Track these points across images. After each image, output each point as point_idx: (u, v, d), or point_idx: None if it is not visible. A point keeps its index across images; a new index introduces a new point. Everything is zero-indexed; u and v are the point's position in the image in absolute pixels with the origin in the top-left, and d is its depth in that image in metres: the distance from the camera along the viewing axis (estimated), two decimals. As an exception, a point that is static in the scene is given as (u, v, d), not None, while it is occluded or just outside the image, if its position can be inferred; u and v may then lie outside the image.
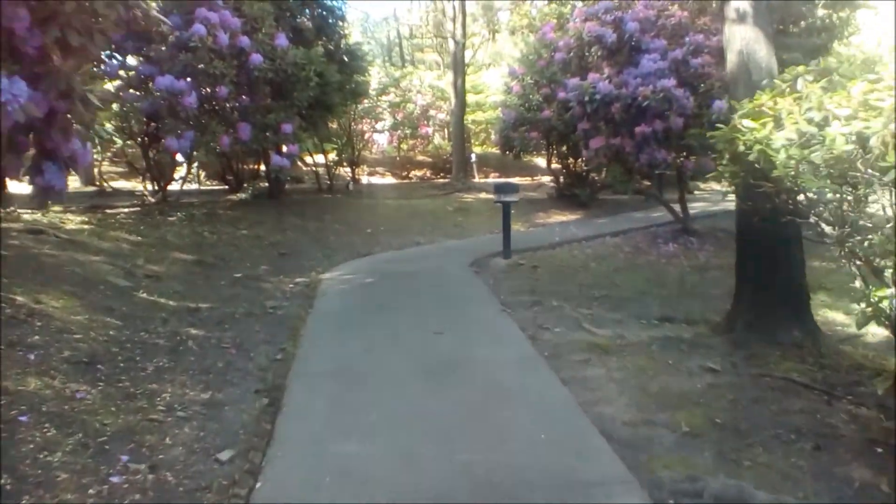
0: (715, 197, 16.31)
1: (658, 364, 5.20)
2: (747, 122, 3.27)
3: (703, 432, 4.06)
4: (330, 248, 10.29)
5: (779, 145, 2.98)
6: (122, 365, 4.83)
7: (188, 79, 8.89)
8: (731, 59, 5.43)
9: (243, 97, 10.04)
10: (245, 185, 13.82)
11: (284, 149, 10.51)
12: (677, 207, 11.19)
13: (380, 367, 5.08)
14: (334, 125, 20.22)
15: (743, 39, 5.34)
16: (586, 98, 9.70)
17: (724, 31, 5.60)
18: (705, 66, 9.59)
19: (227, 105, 9.83)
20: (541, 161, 30.35)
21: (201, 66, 9.00)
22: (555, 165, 16.57)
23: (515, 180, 23.82)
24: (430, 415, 4.19)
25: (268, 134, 10.37)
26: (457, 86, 21.17)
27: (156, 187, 10.94)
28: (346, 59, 12.76)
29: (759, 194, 3.88)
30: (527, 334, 5.99)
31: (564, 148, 15.28)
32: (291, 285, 8.07)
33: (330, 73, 11.35)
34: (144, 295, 6.53)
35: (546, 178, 23.62)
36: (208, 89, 9.27)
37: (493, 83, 29.17)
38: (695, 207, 13.59)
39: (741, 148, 3.33)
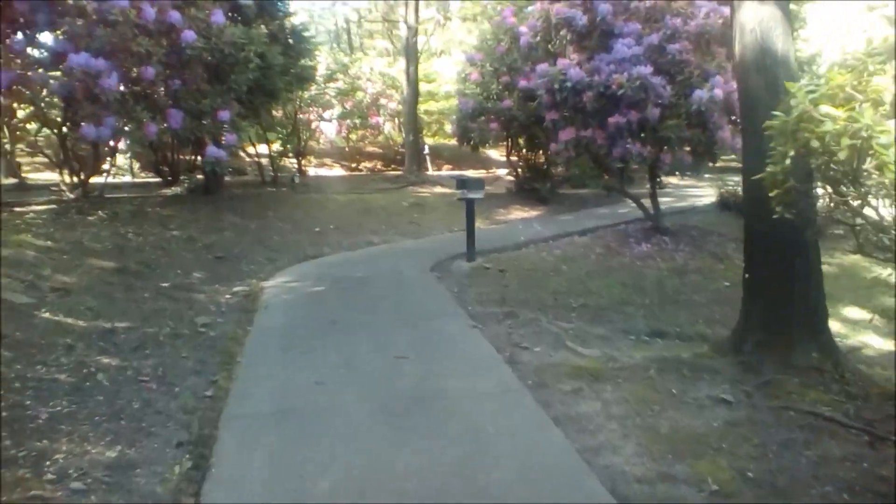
0: (679, 192, 15.87)
1: (661, 395, 4.45)
2: (827, 109, 2.50)
3: (734, 490, 3.32)
4: (274, 249, 9.27)
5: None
6: (3, 414, 3.80)
7: (108, 58, 7.72)
8: (743, 40, 4.68)
9: (174, 80, 8.89)
10: (181, 177, 12.61)
11: (224, 139, 9.40)
12: (646, 203, 10.54)
13: (334, 407, 4.17)
14: (279, 113, 19.05)
15: (756, 18, 4.60)
16: (556, 86, 8.91)
17: (733, 7, 4.85)
18: (683, 52, 8.91)
19: (155, 88, 8.67)
20: (495, 153, 29.76)
21: (124, 43, 7.83)
22: (513, 158, 15.80)
23: (471, 173, 23.04)
24: (397, 478, 3.32)
25: (203, 122, 9.25)
26: (409, 73, 20.20)
27: (76, 181, 9.70)
28: (290, 40, 11.67)
29: (807, 200, 3.13)
30: (503, 356, 5.18)
31: (524, 140, 14.54)
32: (228, 296, 7.06)
33: (272, 55, 10.27)
34: (48, 314, 5.44)
35: (502, 171, 22.94)
36: (132, 70, 8.11)
37: (446, 72, 28.29)
38: (661, 203, 13.03)
39: (813, 143, 2.56)
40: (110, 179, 17.00)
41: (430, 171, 22.18)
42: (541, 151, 14.81)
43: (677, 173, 12.87)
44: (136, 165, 18.00)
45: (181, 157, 13.04)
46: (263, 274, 8.06)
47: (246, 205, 11.26)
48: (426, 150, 22.13)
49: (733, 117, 9.02)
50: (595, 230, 10.69)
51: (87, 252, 7.23)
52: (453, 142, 29.96)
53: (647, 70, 8.52)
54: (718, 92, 8.64)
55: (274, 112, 17.06)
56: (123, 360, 4.95)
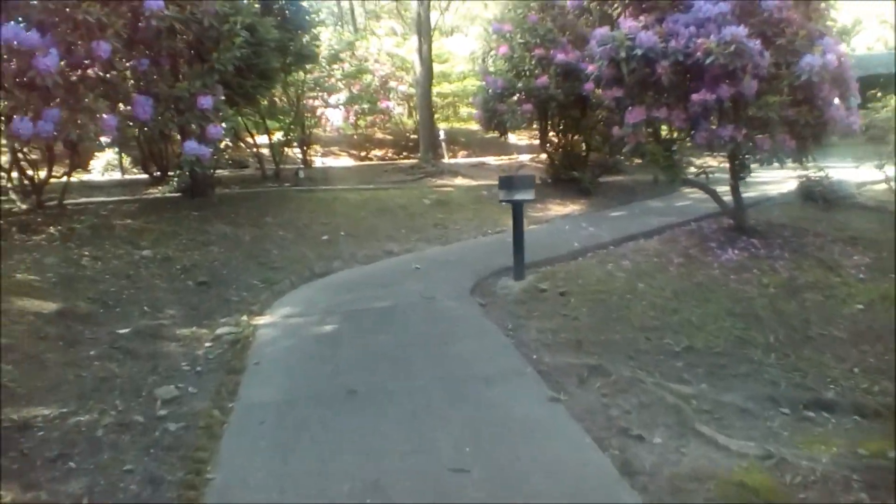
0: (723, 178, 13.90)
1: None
2: None
3: None
4: (272, 267, 7.48)
5: None
6: None
7: (46, 31, 5.91)
8: None
9: (140, 59, 7.08)
10: (172, 175, 10.85)
11: (208, 131, 7.56)
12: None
13: None
14: (282, 99, 17.22)
15: None
16: (622, 54, 7.01)
17: None
18: (783, 9, 7.00)
19: (115, 69, 6.85)
20: (514, 138, 27.82)
21: (66, 11, 6.01)
22: (547, 144, 13.88)
23: (490, 160, 21.14)
24: None
25: (182, 110, 7.44)
26: (422, 52, 18.24)
27: (30, 186, 7.93)
28: (287, 12, 9.81)
29: None
30: (611, 455, 3.40)
31: (562, 123, 12.63)
32: (209, 344, 5.29)
33: (265, 28, 8.43)
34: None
35: (524, 157, 21.06)
36: (80, 46, 6.27)
37: (459, 51, 26.35)
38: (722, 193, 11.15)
39: None
40: (93, 178, 15.28)
41: (447, 159, 20.34)
42: (575, 136, 12.91)
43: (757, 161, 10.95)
44: (126, 161, 16.34)
45: (175, 150, 11.27)
46: (258, 305, 6.27)
47: (240, 208, 9.46)
48: (442, 136, 20.22)
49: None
50: (661, 231, 8.81)
51: (19, 289, 5.46)
52: (469, 126, 28.13)
53: (742, 31, 6.60)
54: (831, 58, 6.74)
55: (274, 96, 15.29)
56: (30, 482, 3.19)
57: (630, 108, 7.40)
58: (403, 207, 10.46)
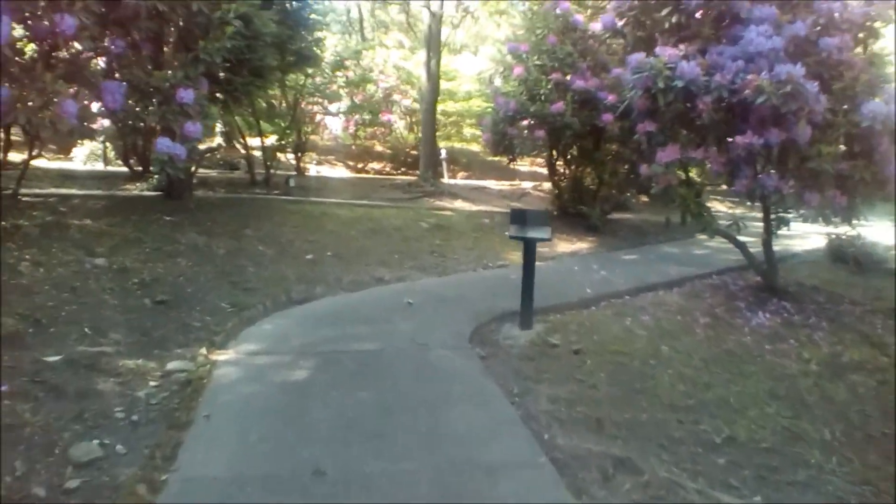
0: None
1: None
2: None
3: None
4: (245, 288, 6.58)
5: None
6: None
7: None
8: None
9: (115, 41, 6.21)
10: (153, 171, 9.96)
11: (185, 128, 6.67)
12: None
13: None
14: (283, 101, 16.39)
15: None
16: (659, 85, 6.21)
17: None
18: (843, 50, 6.24)
19: (80, 50, 5.96)
20: (517, 163, 27.11)
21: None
22: (556, 174, 13.08)
23: (491, 184, 20.35)
24: None
25: (159, 102, 6.57)
26: (430, 67, 17.54)
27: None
28: (289, 6, 8.98)
29: None
30: None
31: (574, 153, 11.84)
32: (154, 383, 4.38)
33: (262, 20, 7.60)
34: None
35: (527, 184, 20.31)
36: (39, 19, 5.39)
37: (468, 69, 25.70)
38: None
39: None
40: (73, 167, 14.34)
41: (447, 179, 19.55)
42: (587, 168, 12.12)
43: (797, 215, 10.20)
44: (110, 151, 15.46)
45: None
46: (222, 335, 5.36)
47: (219, 216, 8.57)
48: (444, 155, 19.43)
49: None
50: (681, 282, 8.00)
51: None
52: (471, 147, 27.41)
53: (799, 70, 5.83)
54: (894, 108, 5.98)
55: (269, 99, 14.48)
56: None
57: (663, 145, 6.59)
58: (398, 229, 9.60)
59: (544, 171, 18.83)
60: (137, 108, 6.50)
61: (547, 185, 19.37)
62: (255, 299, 6.36)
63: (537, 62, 10.86)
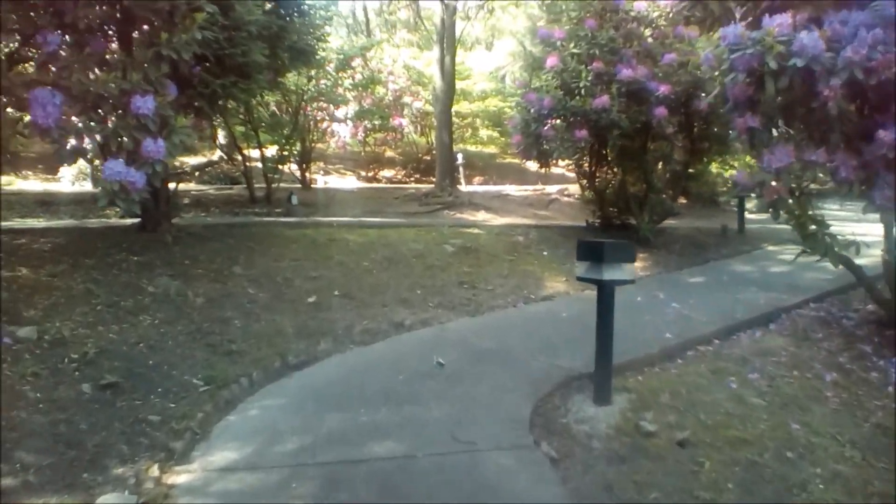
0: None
1: None
2: None
3: None
4: (226, 352, 5.05)
5: None
6: None
7: None
8: None
9: (45, 34, 4.69)
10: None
11: (144, 147, 5.12)
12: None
13: None
14: (284, 108, 14.91)
15: None
16: (770, 64, 4.61)
17: None
18: None
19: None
20: (534, 165, 25.55)
21: None
22: (595, 179, 11.44)
23: (511, 189, 18.76)
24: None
25: (105, 114, 5.05)
26: (444, 64, 16.00)
27: None
28: (282, -8, 7.46)
29: None
30: None
31: (620, 155, 10.22)
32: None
33: (245, 7, 6.06)
34: None
35: (552, 188, 18.71)
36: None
37: (483, 66, 24.16)
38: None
39: None
40: (59, 188, 12.92)
41: (464, 186, 18.00)
42: (634, 172, 10.49)
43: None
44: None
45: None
46: (185, 436, 3.82)
47: (203, 249, 7.05)
48: (460, 160, 17.87)
49: None
50: (775, 316, 6.37)
51: None
52: (486, 149, 25.84)
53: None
54: None
55: (264, 103, 12.99)
56: None
57: (769, 145, 4.98)
58: (420, 256, 8.02)
59: (568, 174, 17.24)
60: (80, 124, 4.96)
61: (573, 189, 17.79)
62: (238, 368, 4.82)
63: (574, 50, 9.25)
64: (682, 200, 14.22)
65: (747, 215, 12.19)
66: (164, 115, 5.24)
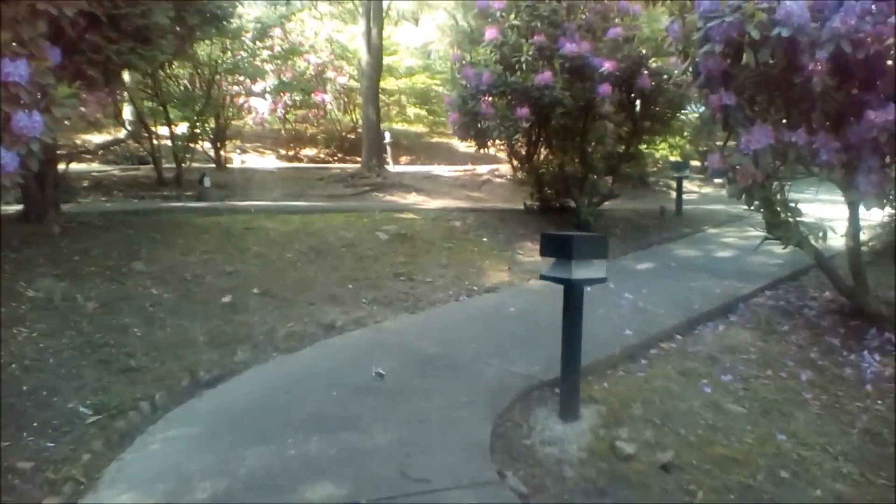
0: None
1: None
2: None
3: None
4: (122, 369, 4.23)
5: None
6: None
7: None
8: None
9: None
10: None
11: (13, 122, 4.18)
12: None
13: None
14: (194, 81, 13.69)
15: None
16: (752, 34, 4.11)
17: None
18: None
19: None
20: (461, 144, 24.96)
21: None
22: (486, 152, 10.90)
23: (439, 170, 18.10)
24: None
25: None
26: (371, 38, 15.13)
27: None
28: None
29: None
30: None
31: (559, 134, 9.72)
32: None
33: (141, -45, 5.12)
34: None
35: (482, 169, 18.18)
36: None
37: (410, 41, 23.29)
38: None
39: None
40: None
41: (391, 166, 17.23)
42: (574, 152, 10.01)
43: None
44: None
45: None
46: (63, 491, 3.02)
47: (97, 242, 6.09)
48: (388, 139, 17.07)
49: None
50: (733, 306, 6.01)
51: None
52: (413, 128, 25.04)
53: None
54: None
55: (173, 75, 11.86)
56: None
57: (748, 125, 4.50)
58: (350, 245, 7.28)
59: (499, 154, 16.71)
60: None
61: (504, 170, 17.32)
62: (137, 389, 4.00)
63: (515, 22, 8.64)
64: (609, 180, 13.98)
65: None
66: (42, 84, 4.30)
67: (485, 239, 8.36)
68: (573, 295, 3.72)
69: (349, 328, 5.43)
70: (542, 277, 3.82)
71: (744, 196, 4.59)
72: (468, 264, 7.33)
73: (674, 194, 17.60)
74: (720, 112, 4.55)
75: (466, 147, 23.74)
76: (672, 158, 16.61)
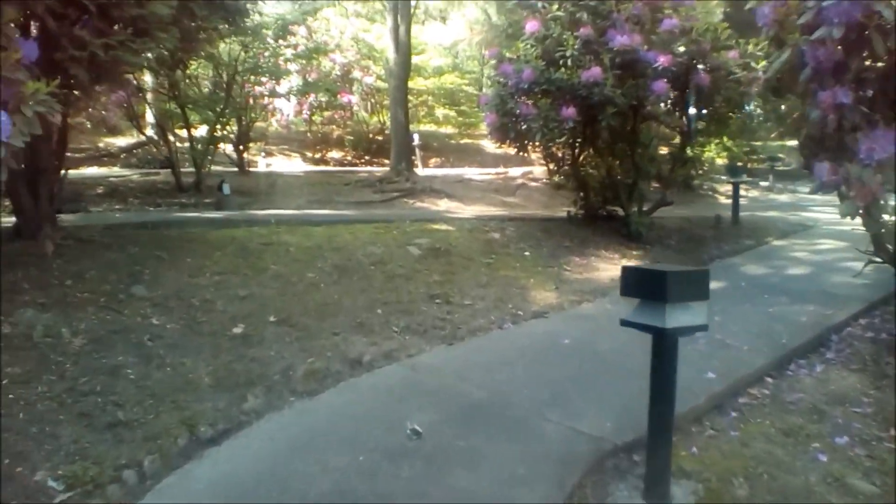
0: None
1: None
2: None
3: None
4: (108, 424, 3.52)
5: None
6: None
7: None
8: None
9: None
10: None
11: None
12: None
13: None
14: (220, 83, 13.06)
15: None
16: (880, 11, 3.26)
17: None
18: None
19: None
20: (491, 145, 24.15)
21: None
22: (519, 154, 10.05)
23: (471, 172, 17.32)
24: None
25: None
26: (399, 36, 14.40)
27: None
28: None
29: None
30: None
31: (607, 138, 8.88)
32: None
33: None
34: None
35: (514, 171, 17.36)
36: None
37: (437, 39, 22.58)
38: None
39: None
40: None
41: (421, 169, 16.50)
42: (623, 157, 9.14)
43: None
44: None
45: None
46: None
47: (94, 264, 5.41)
48: (417, 141, 16.35)
49: None
50: (825, 337, 5.15)
51: None
52: (442, 128, 24.30)
53: None
54: None
55: (191, 76, 11.26)
56: None
57: (865, 128, 3.65)
58: (379, 262, 6.52)
59: (527, 155, 15.91)
60: None
61: (538, 173, 16.47)
62: (122, 452, 3.28)
63: (558, 13, 7.83)
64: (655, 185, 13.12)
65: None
66: (11, 80, 3.61)
67: (527, 253, 7.56)
68: (666, 347, 2.90)
69: (378, 363, 4.67)
70: (625, 324, 3.00)
71: (865, 216, 3.71)
72: (511, 283, 6.53)
73: (722, 199, 16.70)
74: (834, 112, 3.68)
75: (497, 148, 23.03)
76: (718, 161, 15.66)
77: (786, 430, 3.74)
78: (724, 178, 16.19)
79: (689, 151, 9.28)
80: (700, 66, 7.97)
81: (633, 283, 2.98)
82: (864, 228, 4.15)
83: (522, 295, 6.27)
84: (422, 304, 5.77)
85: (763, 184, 18.21)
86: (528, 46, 8.04)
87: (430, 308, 5.73)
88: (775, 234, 9.39)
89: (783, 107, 6.88)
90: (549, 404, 3.97)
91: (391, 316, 5.47)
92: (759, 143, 18.69)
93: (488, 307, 5.89)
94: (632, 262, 7.77)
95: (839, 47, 3.60)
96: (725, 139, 15.23)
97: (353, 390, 4.28)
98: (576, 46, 7.63)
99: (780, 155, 21.20)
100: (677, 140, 9.62)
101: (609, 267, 7.52)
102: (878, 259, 4.41)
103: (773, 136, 20.45)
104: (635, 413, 3.75)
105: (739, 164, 12.34)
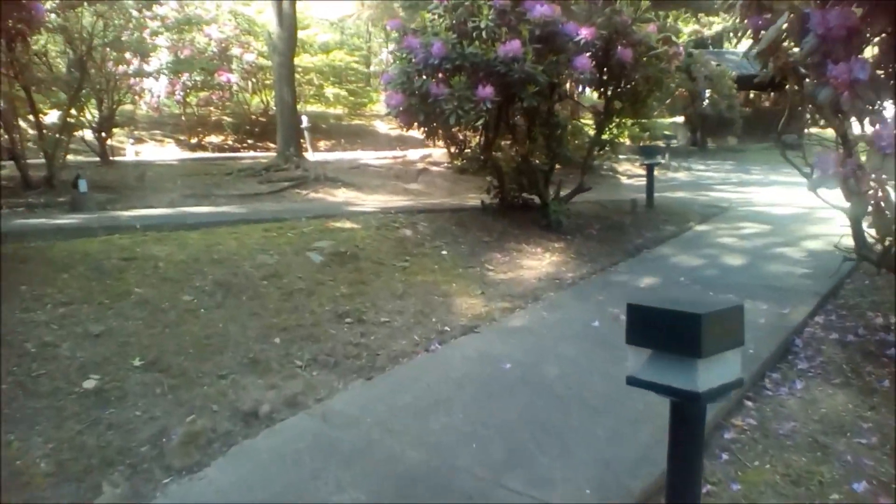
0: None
1: None
2: None
3: None
4: None
5: None
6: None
7: None
8: None
9: None
10: None
11: None
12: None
13: None
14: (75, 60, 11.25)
15: None
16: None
17: None
18: None
19: None
20: (383, 125, 23.03)
21: None
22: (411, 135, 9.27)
23: (366, 157, 16.24)
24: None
25: None
26: (282, 8, 13.03)
27: None
28: None
29: None
30: None
31: (525, 119, 8.11)
32: None
33: None
34: None
35: (413, 154, 16.46)
36: None
37: (325, 13, 21.18)
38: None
39: None
40: None
41: (310, 153, 15.25)
42: (538, 139, 8.41)
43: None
44: None
45: None
46: None
47: None
48: (305, 123, 15.07)
49: None
50: (789, 340, 4.62)
51: None
52: (329, 109, 22.92)
53: None
54: None
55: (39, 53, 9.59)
56: None
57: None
58: (274, 275, 5.41)
59: (417, 136, 15.10)
60: None
61: (437, 155, 15.65)
62: None
63: (470, -21, 6.93)
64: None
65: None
66: None
67: (444, 252, 6.68)
68: (695, 415, 2.10)
69: (280, 414, 3.67)
70: (635, 383, 2.16)
71: (877, 214, 3.07)
72: (431, 291, 5.64)
73: (623, 179, 16.53)
74: (847, 89, 3.00)
75: (390, 129, 21.94)
76: (625, 142, 15.42)
77: (793, 476, 3.09)
78: (627, 158, 16.02)
79: (606, 133, 8.68)
80: (622, 41, 7.35)
81: (646, 327, 2.14)
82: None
83: (447, 305, 5.39)
84: (329, 327, 4.76)
85: (661, 161, 18.26)
86: (437, 17, 7.10)
87: (339, 331, 4.74)
88: (695, 219, 9.01)
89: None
90: (505, 466, 3.13)
91: (292, 346, 4.44)
92: (649, 122, 18.76)
93: (409, 324, 4.97)
94: (556, 256, 7.08)
95: (856, 8, 2.92)
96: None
97: (248, 460, 3.26)
98: (490, 17, 6.76)
99: (667, 132, 21.49)
100: (588, 120, 9.04)
101: (534, 264, 6.77)
102: (855, 257, 3.86)
103: (656, 113, 20.61)
104: (616, 470, 2.99)
105: (653, 145, 11.96)
